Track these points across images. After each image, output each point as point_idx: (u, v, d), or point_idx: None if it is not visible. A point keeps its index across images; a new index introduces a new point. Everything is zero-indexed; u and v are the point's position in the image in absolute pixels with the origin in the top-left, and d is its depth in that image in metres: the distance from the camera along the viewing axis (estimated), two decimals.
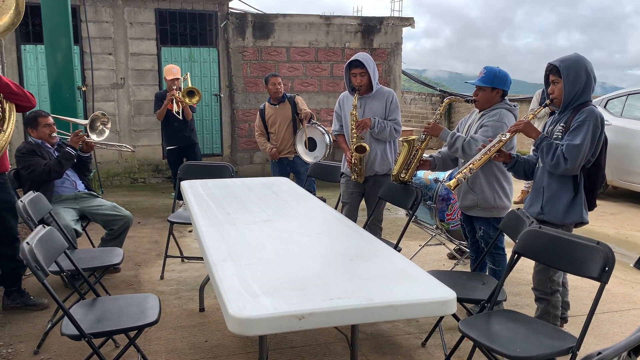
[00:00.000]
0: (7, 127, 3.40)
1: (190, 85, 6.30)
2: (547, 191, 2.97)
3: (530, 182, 6.94)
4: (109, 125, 4.98)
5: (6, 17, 3.27)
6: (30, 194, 3.28)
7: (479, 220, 3.52)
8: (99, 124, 4.89)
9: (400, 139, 3.74)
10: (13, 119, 3.46)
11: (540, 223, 2.95)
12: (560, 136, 2.91)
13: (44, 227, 2.57)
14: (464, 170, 3.00)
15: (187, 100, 6.19)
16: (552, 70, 2.95)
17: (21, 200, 3.10)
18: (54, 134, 4.23)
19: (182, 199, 6.26)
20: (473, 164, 3.01)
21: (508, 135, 3.02)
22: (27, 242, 2.31)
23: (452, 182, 3.03)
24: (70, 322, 2.32)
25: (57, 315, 3.30)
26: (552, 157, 2.85)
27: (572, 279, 3.49)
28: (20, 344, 3.21)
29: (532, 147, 3.15)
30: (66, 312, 2.34)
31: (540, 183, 3.03)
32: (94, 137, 4.60)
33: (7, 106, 3.41)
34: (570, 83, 2.86)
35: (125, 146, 5.11)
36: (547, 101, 3.03)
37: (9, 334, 3.34)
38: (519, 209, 2.95)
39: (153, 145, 8.50)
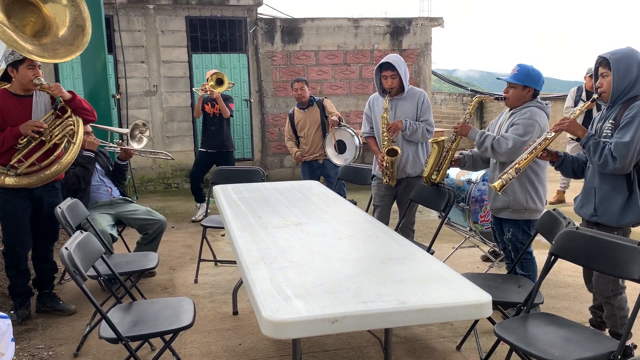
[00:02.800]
0: (76, 140, 3.65)
1: (216, 71, 6.25)
2: (599, 192, 2.85)
3: (565, 181, 6.86)
4: (147, 134, 5.05)
5: (84, 39, 3.61)
6: (68, 201, 3.36)
7: (508, 223, 3.44)
8: (137, 132, 4.97)
9: (430, 140, 3.70)
10: (81, 132, 3.70)
11: (595, 226, 2.84)
12: (610, 133, 2.79)
13: (82, 233, 2.64)
14: (510, 171, 2.91)
15: (212, 84, 6.08)
16: (602, 62, 2.84)
17: (59, 207, 3.19)
18: (93, 139, 4.34)
19: (200, 202, 6.38)
20: (519, 164, 2.92)
21: (553, 134, 2.91)
22: (66, 248, 2.37)
23: (497, 184, 2.95)
24: (108, 325, 2.36)
25: (95, 319, 3.38)
26: (599, 156, 2.74)
27: None
28: (61, 346, 3.30)
29: (567, 145, 3.06)
30: (104, 316, 2.39)
31: (592, 183, 2.91)
32: (134, 145, 4.68)
33: (74, 119, 3.64)
34: (620, 76, 2.75)
35: (164, 153, 5.18)
36: (595, 95, 2.93)
37: (50, 336, 3.43)
38: (555, 209, 2.88)
39: (186, 151, 8.62)
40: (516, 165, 2.92)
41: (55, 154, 3.55)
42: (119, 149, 4.55)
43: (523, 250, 3.12)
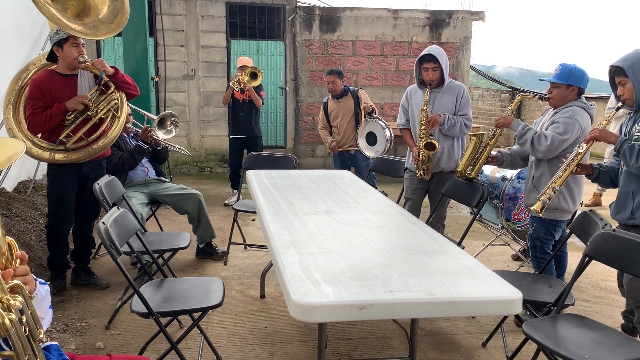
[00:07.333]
0: (121, 114, 3.76)
1: (252, 67, 6.29)
2: (638, 195, 2.77)
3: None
4: (176, 130, 4.97)
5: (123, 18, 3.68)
6: (106, 178, 3.46)
7: (534, 218, 3.40)
8: (169, 122, 4.96)
9: (469, 134, 3.66)
10: (125, 107, 3.80)
11: (632, 229, 2.77)
12: None
13: (118, 209, 2.71)
14: (547, 191, 2.89)
15: (247, 79, 6.12)
16: (617, 71, 2.83)
17: (97, 183, 3.28)
18: (129, 124, 4.43)
19: (236, 189, 6.43)
20: (555, 183, 2.90)
21: (585, 147, 2.88)
22: (103, 222, 2.44)
23: (537, 206, 2.91)
24: (140, 300, 2.43)
25: (127, 294, 3.47)
26: (636, 159, 2.67)
27: None
28: (93, 319, 3.40)
29: (607, 147, 2.99)
30: (137, 291, 2.45)
31: (628, 187, 2.83)
32: (159, 134, 4.70)
33: (118, 95, 3.74)
34: (639, 79, 2.72)
35: (184, 150, 5.15)
36: (619, 104, 2.90)
37: (83, 309, 3.54)
38: (591, 210, 2.82)
39: (220, 135, 8.72)
40: (552, 185, 2.90)
41: (101, 129, 3.66)
42: (140, 131, 4.55)
43: (557, 248, 3.07)
